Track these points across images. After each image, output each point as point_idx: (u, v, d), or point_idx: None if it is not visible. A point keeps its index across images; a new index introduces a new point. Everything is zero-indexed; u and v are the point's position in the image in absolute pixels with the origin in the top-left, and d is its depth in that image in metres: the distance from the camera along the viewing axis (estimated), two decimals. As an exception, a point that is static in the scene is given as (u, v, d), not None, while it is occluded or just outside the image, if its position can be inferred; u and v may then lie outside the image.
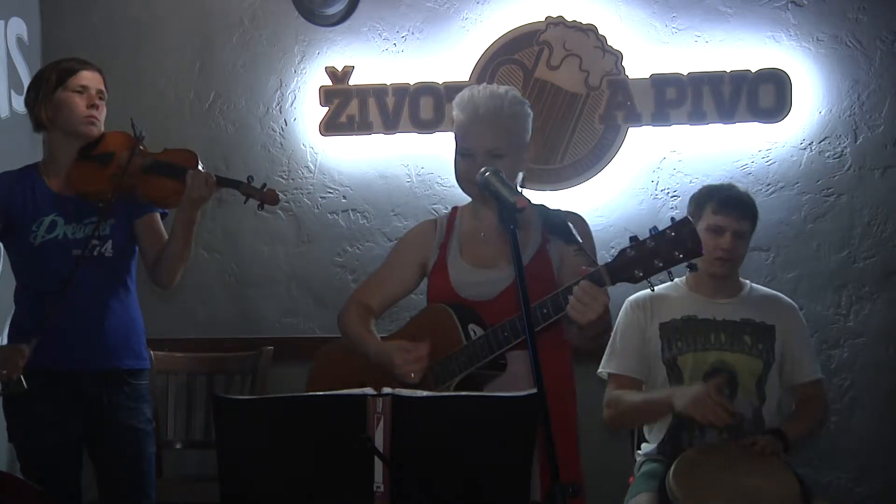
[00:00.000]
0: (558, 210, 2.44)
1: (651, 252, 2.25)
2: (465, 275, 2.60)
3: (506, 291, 2.53)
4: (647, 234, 2.26)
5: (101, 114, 3.03)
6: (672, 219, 2.26)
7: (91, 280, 2.95)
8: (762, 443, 2.82)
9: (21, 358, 2.81)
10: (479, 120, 2.50)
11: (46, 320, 2.84)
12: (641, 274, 2.27)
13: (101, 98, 3.02)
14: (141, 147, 2.98)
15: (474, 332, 2.48)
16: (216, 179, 2.92)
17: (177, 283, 3.11)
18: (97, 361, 2.98)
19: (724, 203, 3.00)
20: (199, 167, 2.95)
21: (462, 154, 2.53)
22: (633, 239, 2.29)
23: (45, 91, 3.00)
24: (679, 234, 2.24)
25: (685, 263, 2.26)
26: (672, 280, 2.34)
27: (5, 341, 3.77)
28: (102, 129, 3.03)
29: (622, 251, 2.29)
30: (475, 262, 2.61)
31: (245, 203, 3.01)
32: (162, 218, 3.12)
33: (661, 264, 2.25)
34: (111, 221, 2.99)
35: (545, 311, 2.35)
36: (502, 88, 2.57)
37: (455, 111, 2.56)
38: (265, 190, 2.97)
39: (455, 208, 2.74)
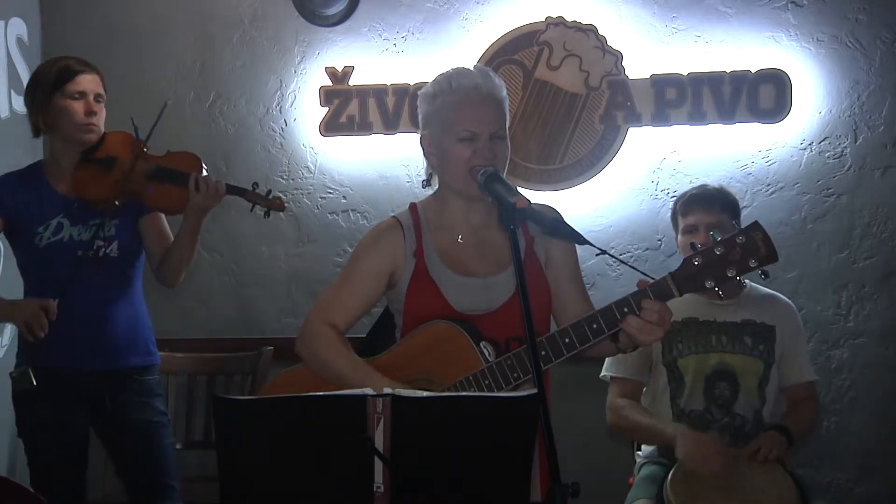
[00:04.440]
0: (538, 205, 2.28)
1: (721, 260, 2.14)
2: (457, 286, 2.34)
3: (509, 303, 2.33)
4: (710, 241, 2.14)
5: (100, 118, 3.00)
6: (734, 224, 2.17)
7: (96, 281, 2.96)
8: (765, 450, 2.81)
9: (50, 313, 2.82)
10: (481, 99, 2.31)
11: (53, 321, 2.85)
12: (712, 283, 2.15)
13: (99, 101, 2.99)
14: (144, 149, 2.97)
15: (487, 351, 2.26)
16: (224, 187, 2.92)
17: (181, 282, 3.12)
18: (102, 362, 2.99)
19: (689, 202, 3.05)
20: (203, 172, 2.94)
21: (461, 139, 2.29)
22: (694, 246, 2.18)
23: (42, 96, 2.96)
24: (750, 240, 2.13)
25: (759, 271, 2.16)
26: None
27: (6, 342, 3.77)
28: (102, 130, 3.01)
29: (687, 259, 2.17)
30: (461, 270, 2.36)
31: (251, 210, 3.02)
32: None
33: (733, 272, 2.14)
34: (115, 222, 2.98)
35: (595, 326, 2.19)
36: (481, 67, 2.42)
37: (439, 97, 2.34)
38: (270, 197, 2.98)
39: (413, 206, 2.46)
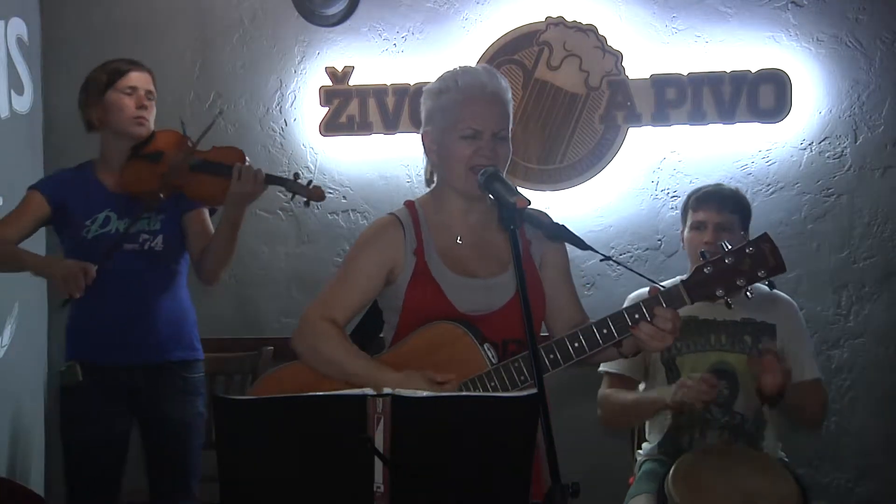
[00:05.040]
0: (536, 210, 2.30)
1: (730, 270, 2.19)
2: (458, 286, 2.32)
3: (509, 304, 2.32)
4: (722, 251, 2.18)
5: (151, 114, 3.10)
6: (742, 232, 2.20)
7: (140, 274, 3.02)
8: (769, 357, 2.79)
9: (88, 276, 2.88)
10: (486, 98, 2.30)
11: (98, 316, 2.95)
12: (722, 293, 2.20)
13: (150, 98, 3.10)
14: (190, 144, 3.05)
15: (490, 353, 2.25)
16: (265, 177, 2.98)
17: (221, 279, 3.16)
18: (145, 355, 3.05)
19: (702, 198, 3.04)
20: (246, 163, 3.00)
21: (464, 136, 2.28)
22: (704, 255, 2.22)
23: (95, 92, 3.07)
24: (759, 251, 2.19)
25: (766, 281, 2.21)
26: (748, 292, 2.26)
27: (7, 342, 3.78)
28: (152, 127, 3.10)
29: (697, 268, 2.21)
30: (461, 271, 2.34)
31: (291, 199, 3.06)
32: (211, 214, 3.18)
33: (742, 282, 2.20)
34: (161, 217, 3.06)
35: (605, 331, 2.20)
36: (487, 67, 2.42)
37: (444, 94, 2.33)
38: (311, 187, 3.03)
39: (411, 203, 2.44)
